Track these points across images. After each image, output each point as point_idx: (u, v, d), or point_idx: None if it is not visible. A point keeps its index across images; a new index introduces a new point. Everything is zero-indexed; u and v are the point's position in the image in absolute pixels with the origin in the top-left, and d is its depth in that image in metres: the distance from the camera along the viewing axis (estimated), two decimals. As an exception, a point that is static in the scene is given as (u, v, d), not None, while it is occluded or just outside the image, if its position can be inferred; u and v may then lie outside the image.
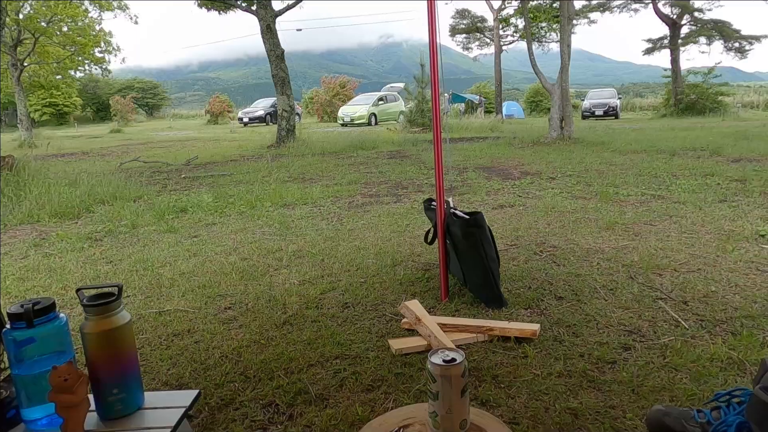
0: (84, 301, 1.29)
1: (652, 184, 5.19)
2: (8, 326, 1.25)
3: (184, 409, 1.33)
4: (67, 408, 1.23)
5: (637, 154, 7.77)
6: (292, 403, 1.64)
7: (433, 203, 2.63)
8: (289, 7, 12.41)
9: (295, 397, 1.67)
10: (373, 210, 4.52)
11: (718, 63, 25.06)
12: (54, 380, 1.21)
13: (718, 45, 25.19)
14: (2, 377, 1.34)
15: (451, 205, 2.47)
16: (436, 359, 1.18)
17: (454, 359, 1.17)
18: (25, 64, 18.21)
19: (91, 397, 1.32)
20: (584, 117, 22.16)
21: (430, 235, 2.63)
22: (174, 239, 3.89)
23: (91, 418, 1.31)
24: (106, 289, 1.33)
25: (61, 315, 1.33)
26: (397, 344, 1.92)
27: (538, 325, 1.99)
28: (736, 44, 24.46)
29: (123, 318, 1.31)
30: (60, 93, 32.98)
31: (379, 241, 3.46)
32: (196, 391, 1.42)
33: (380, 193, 5.38)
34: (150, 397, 1.40)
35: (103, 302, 1.28)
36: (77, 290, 1.32)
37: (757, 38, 24.28)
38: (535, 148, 9.07)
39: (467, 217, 2.29)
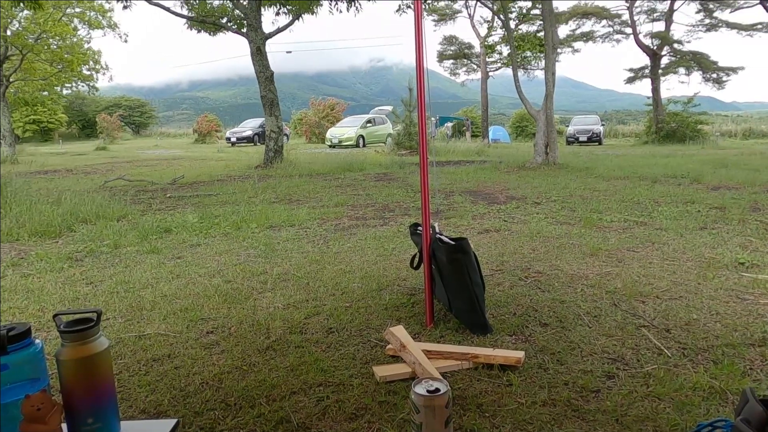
0: (61, 327, 1.26)
1: (635, 210, 5.27)
2: (-19, 353, 1.21)
3: (161, 441, 1.30)
4: (40, 438, 1.19)
5: (620, 180, 7.91)
6: (274, 433, 1.60)
7: (419, 228, 2.64)
8: (279, 30, 12.56)
9: (276, 426, 1.63)
10: (360, 233, 4.51)
11: (697, 93, 25.79)
12: (26, 409, 1.18)
13: (696, 75, 26.00)
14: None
15: (437, 230, 2.48)
16: (420, 389, 1.17)
17: (438, 389, 1.17)
18: (11, 80, 18.09)
19: (65, 426, 1.28)
20: (569, 143, 22.57)
21: (416, 260, 2.63)
22: (157, 260, 3.84)
23: (66, 450, 1.27)
24: (85, 315, 1.31)
25: (37, 341, 1.30)
26: (381, 371, 1.90)
27: (523, 352, 1.99)
28: (714, 75, 25.28)
29: (101, 344, 1.28)
30: (45, 109, 32.76)
31: (365, 265, 3.45)
32: (175, 420, 1.39)
33: (367, 216, 5.38)
34: (127, 427, 1.36)
35: (80, 328, 1.26)
36: (54, 315, 1.29)
37: (734, 69, 25.13)
38: (521, 173, 9.19)
39: (452, 242, 2.30)
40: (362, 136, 22.92)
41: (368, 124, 23.99)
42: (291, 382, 1.90)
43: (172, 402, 1.81)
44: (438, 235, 2.43)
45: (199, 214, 5.70)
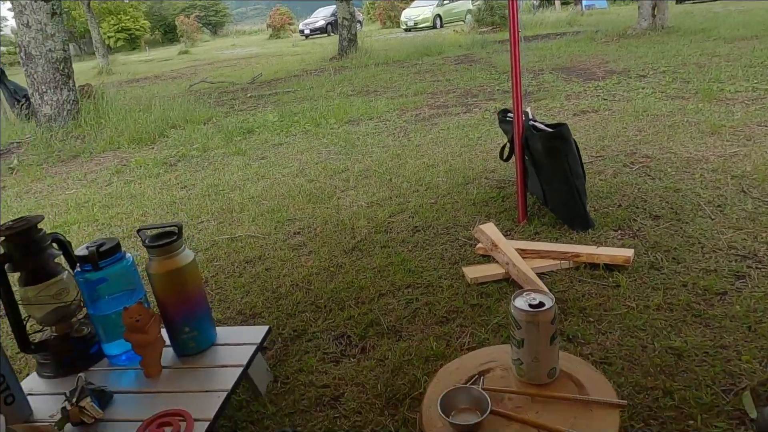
0: (146, 242, 1.25)
1: (766, 76, 4.47)
2: (78, 269, 1.24)
3: (255, 346, 1.31)
4: (142, 347, 1.23)
5: (747, 41, 6.71)
6: (364, 335, 1.59)
7: (509, 114, 2.37)
8: None
9: (366, 329, 1.61)
10: (442, 123, 4.25)
11: None
12: (126, 321, 1.20)
13: None
14: (83, 315, 1.36)
15: (530, 116, 2.20)
16: (521, 303, 1.04)
17: (542, 303, 1.03)
18: (91, -11, 18.42)
19: (166, 335, 1.32)
20: (679, 1, 19.47)
21: (506, 151, 2.39)
22: (242, 162, 3.90)
23: (169, 353, 1.31)
24: (167, 228, 1.28)
25: (128, 255, 1.30)
26: (472, 272, 1.80)
27: (632, 250, 1.78)
28: None
29: (186, 257, 1.26)
30: (128, 17, 33.56)
31: (448, 157, 3.26)
32: (267, 327, 1.39)
33: (448, 104, 5.05)
34: (222, 333, 1.39)
35: (164, 243, 1.24)
36: (138, 230, 1.28)
37: None
38: (622, 42, 8.10)
39: (550, 129, 2.03)
40: (439, 15, 21.26)
41: (445, 2, 22.12)
42: (379, 284, 1.86)
43: (265, 304, 1.85)
44: (531, 122, 2.16)
45: (278, 112, 5.68)
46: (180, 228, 1.24)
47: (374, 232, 2.31)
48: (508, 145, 2.39)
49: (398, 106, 5.19)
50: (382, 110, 5.06)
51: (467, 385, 1.06)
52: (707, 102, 3.84)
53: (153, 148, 5.01)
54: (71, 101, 6.11)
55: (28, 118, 6.77)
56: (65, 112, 6.04)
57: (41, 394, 1.25)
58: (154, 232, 1.28)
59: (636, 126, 3.42)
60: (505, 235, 2.10)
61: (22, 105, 7.17)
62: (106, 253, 1.23)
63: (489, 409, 0.96)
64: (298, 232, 2.45)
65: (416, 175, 3.01)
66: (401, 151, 3.53)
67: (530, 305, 1.03)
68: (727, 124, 3.19)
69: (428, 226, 2.30)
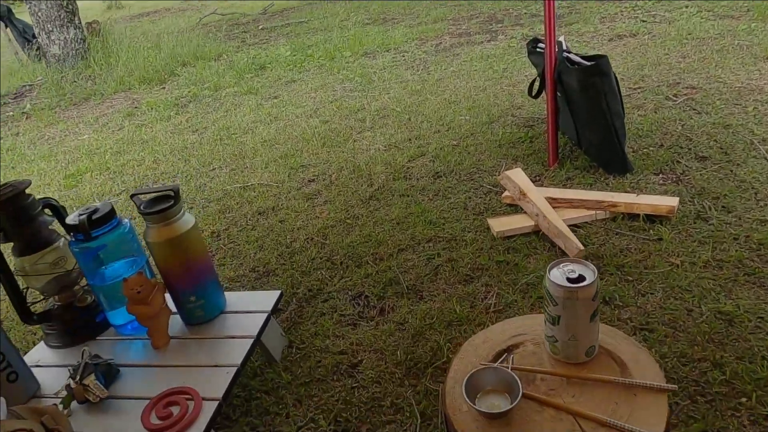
0: (141, 208, 1.14)
1: (831, -12, 3.98)
2: (72, 238, 1.15)
3: (266, 314, 1.23)
4: (146, 319, 1.16)
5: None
6: (383, 295, 1.50)
7: (540, 45, 2.13)
8: None
9: (385, 288, 1.52)
10: (464, 53, 3.96)
11: None
12: (126, 293, 1.13)
13: None
14: (86, 283, 1.29)
15: (564, 47, 1.97)
16: (558, 276, 0.91)
17: (582, 277, 0.90)
18: None
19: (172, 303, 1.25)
20: None
21: (536, 87, 2.18)
22: (255, 101, 3.73)
23: (177, 321, 1.25)
24: (163, 192, 1.17)
25: (124, 221, 1.21)
26: (497, 225, 1.67)
27: (676, 198, 1.61)
28: None
29: (186, 223, 1.16)
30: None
31: (471, 92, 3.03)
32: (278, 292, 1.30)
33: (471, 31, 4.70)
34: (232, 299, 1.31)
35: (161, 209, 1.13)
36: (132, 195, 1.17)
37: None
38: (663, -46, 7.35)
39: (587, 62, 1.81)
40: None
41: None
42: (397, 238, 1.75)
43: (279, 260, 1.76)
44: (566, 54, 1.93)
45: (291, 45, 5.39)
46: (177, 192, 1.13)
47: (392, 178, 2.18)
48: (538, 79, 2.17)
49: (417, 35, 4.86)
50: (399, 40, 4.75)
51: (495, 364, 0.96)
52: (761, 21, 3.45)
53: (164, 87, 4.86)
54: (79, 40, 5.90)
55: (39, 59, 6.61)
56: (74, 52, 5.86)
57: (49, 366, 1.21)
58: (150, 196, 1.17)
59: (679, 52, 3.10)
60: (534, 181, 1.95)
61: (32, 44, 6.99)
62: (100, 221, 1.14)
63: (520, 395, 0.87)
64: (313, 180, 2.33)
65: (437, 113, 2.81)
66: (421, 87, 3.31)
67: (568, 279, 0.90)
68: (784, 47, 2.86)
69: (450, 171, 2.15)
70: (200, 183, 2.54)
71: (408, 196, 2.01)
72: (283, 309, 1.50)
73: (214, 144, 3.03)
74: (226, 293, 1.32)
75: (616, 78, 1.82)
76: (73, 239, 1.14)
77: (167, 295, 1.22)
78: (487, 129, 2.49)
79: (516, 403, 0.87)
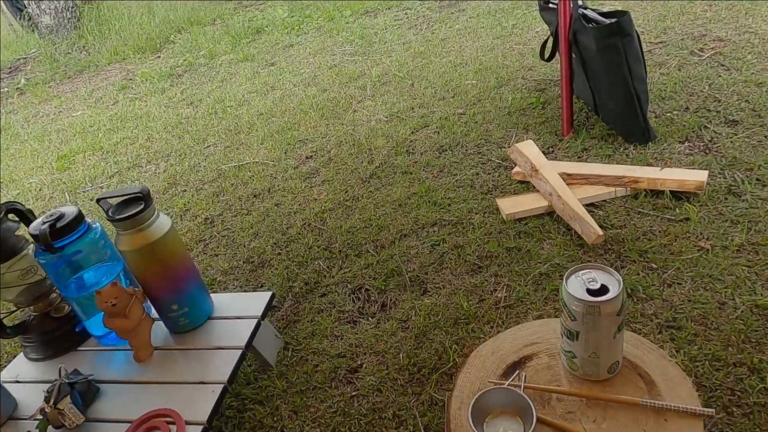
0: (109, 214, 1.03)
1: None
2: (38, 248, 1.05)
3: (256, 321, 1.13)
4: (125, 332, 1.07)
5: None
6: (384, 288, 1.39)
7: (553, 0, 1.93)
8: None
9: (386, 280, 1.42)
10: (470, 8, 3.71)
11: None
12: (101, 306, 1.03)
13: None
14: (61, 288, 1.20)
15: (581, 2, 1.77)
16: (577, 288, 0.79)
17: (604, 289, 0.78)
18: None
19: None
20: None
21: (548, 48, 1.99)
22: (251, 69, 3.56)
23: (162, 330, 1.16)
24: (131, 195, 1.06)
25: (94, 225, 1.10)
26: (507, 206, 1.54)
27: (705, 172, 1.46)
28: None
29: (160, 227, 1.05)
30: None
31: (478, 53, 2.83)
32: (270, 294, 1.20)
33: (478, -17, 4.40)
34: (221, 302, 1.22)
35: (131, 214, 1.02)
36: (98, 200, 1.06)
37: None
38: None
39: (606, 20, 1.62)
40: None
41: None
42: (400, 222, 1.63)
43: (274, 249, 1.66)
44: (581, 10, 1.74)
45: (288, 6, 5.13)
46: (147, 194, 1.01)
47: (394, 153, 2.04)
48: (551, 39, 1.98)
49: (421, -11, 4.57)
50: (402, -4, 4.47)
51: (506, 384, 0.86)
52: (796, -40, 3.14)
53: (159, 56, 4.68)
54: (70, 8, 5.69)
55: (32, 30, 6.41)
56: (66, 21, 5.65)
57: (29, 382, 1.13)
58: (118, 200, 1.06)
59: (704, 0, 2.85)
60: (547, 154, 1.80)
61: (25, 14, 6.76)
62: (66, 229, 1.03)
63: (534, 421, 0.77)
64: (310, 156, 2.20)
65: (442, 77, 2.63)
66: (424, 48, 3.10)
67: (589, 291, 0.78)
68: (822, -11, 2.60)
69: (456, 144, 2.00)
70: (194, 162, 2.42)
71: (411, 173, 1.88)
72: (278, 306, 1.40)
73: (208, 118, 2.90)
74: (215, 295, 1.23)
75: (638, 37, 1.63)
76: (38, 249, 1.04)
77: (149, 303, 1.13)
78: (495, 94, 2.31)
79: (530, 431, 0.77)
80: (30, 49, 5.95)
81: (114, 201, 1.06)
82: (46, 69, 5.03)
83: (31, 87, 4.57)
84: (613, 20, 1.58)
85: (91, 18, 6.02)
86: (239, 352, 1.06)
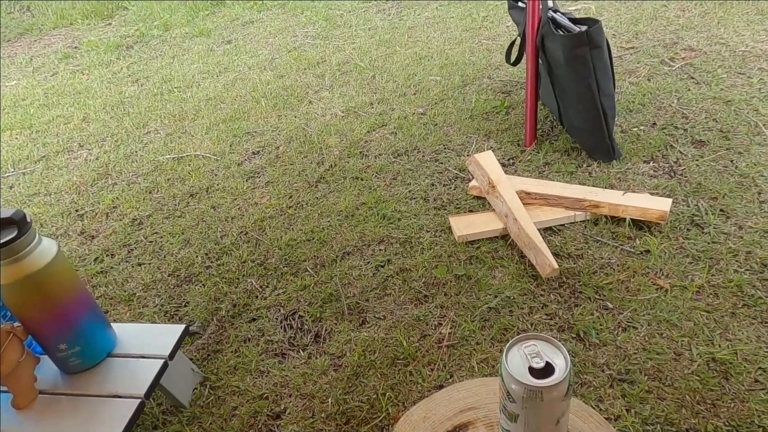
0: (-24, 237, 0.86)
1: None
2: None
3: (162, 362, 0.98)
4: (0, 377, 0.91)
5: None
6: (320, 316, 1.26)
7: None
8: None
9: (323, 306, 1.28)
10: (442, -5, 3.54)
11: None
12: (-33, 346, 0.86)
13: None
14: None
15: (551, 5, 1.65)
16: (518, 365, 0.67)
17: (550, 369, 0.67)
18: None
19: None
20: None
21: (515, 51, 1.86)
22: (206, 46, 3.32)
23: (52, 369, 1.00)
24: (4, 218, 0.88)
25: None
26: (460, 227, 1.42)
27: (669, 201, 1.37)
28: None
29: (41, 256, 0.88)
30: None
31: (445, 46, 2.68)
32: (181, 328, 1.05)
33: (452, -32, 4.22)
34: (127, 334, 1.06)
35: (4, 242, 0.85)
36: (-37, 221, 0.88)
37: None
38: None
39: (576, 27, 1.50)
40: None
41: None
42: (345, 236, 1.50)
43: (204, 261, 1.50)
44: (551, 13, 1.62)
45: (254, -23, 4.84)
46: (21, 219, 0.85)
47: (347, 155, 1.89)
48: (518, 41, 1.85)
49: (392, -30, 4.36)
50: (372, -24, 4.25)
51: (433, 464, 0.75)
52: (770, -32, 3.10)
53: (110, 23, 4.34)
54: (11, -36, 5.22)
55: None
56: (7, -22, 5.19)
57: None
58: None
59: (678, 3, 2.76)
60: (507, 166, 1.69)
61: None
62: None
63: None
64: (257, 152, 2.03)
65: (405, 70, 2.48)
66: (390, 36, 2.93)
67: (531, 370, 0.67)
68: (794, 2, 2.55)
69: (413, 148, 1.87)
70: (131, 150, 2.21)
71: (362, 179, 1.74)
72: (199, 333, 1.26)
73: (153, 99, 2.67)
74: (120, 326, 1.07)
75: (609, 48, 1.52)
76: None
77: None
78: (459, 94, 2.18)
79: None
80: (-33, 5, 5.47)
81: (-15, 223, 0.89)
82: (-17, 30, 4.61)
83: (-36, 50, 4.18)
84: (583, 29, 1.46)
85: (38, -25, 5.56)
86: (137, 402, 0.92)
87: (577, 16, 1.60)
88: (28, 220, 0.86)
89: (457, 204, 1.55)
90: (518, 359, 0.69)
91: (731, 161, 1.55)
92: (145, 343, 1.04)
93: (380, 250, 1.43)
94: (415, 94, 2.25)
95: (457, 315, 1.20)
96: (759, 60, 2.08)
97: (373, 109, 2.18)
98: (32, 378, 0.95)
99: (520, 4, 1.81)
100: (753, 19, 2.44)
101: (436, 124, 1.99)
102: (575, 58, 1.47)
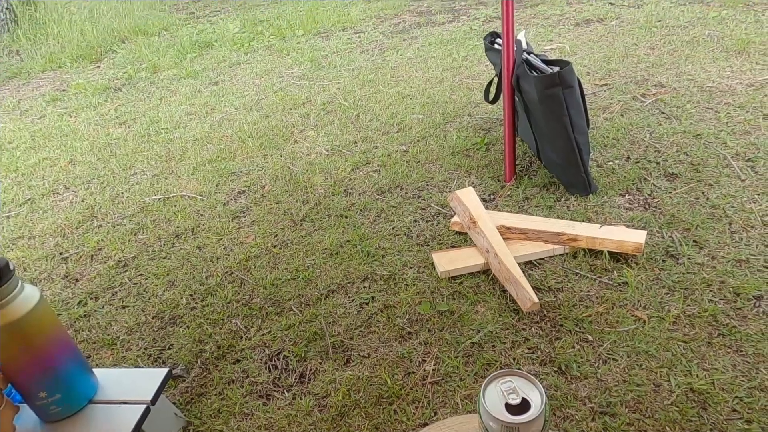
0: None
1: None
2: None
3: (144, 407, 0.98)
4: (-22, 426, 0.89)
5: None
6: (304, 356, 1.26)
7: (498, 41, 1.88)
8: None
9: (308, 346, 1.29)
10: (423, 35, 3.67)
11: None
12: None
13: None
14: None
15: (525, 46, 1.72)
16: (495, 401, 0.69)
17: (525, 405, 0.68)
18: None
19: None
20: None
21: (492, 90, 1.94)
22: (193, 88, 3.38)
23: (31, 418, 0.99)
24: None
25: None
26: (443, 263, 1.44)
27: (644, 233, 1.41)
28: None
29: (23, 304, 0.89)
30: None
31: (427, 85, 2.77)
32: (164, 372, 1.05)
33: (432, 10, 4.39)
34: (107, 380, 1.05)
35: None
36: (-54, 270, 0.88)
37: None
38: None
39: (549, 69, 1.57)
40: None
41: None
42: (329, 274, 1.51)
43: (189, 302, 1.50)
44: (526, 54, 1.69)
45: (241, 20, 4.97)
46: (5, 267, 0.86)
47: (331, 193, 1.92)
48: (495, 80, 1.93)
49: (375, 12, 4.51)
50: (357, 18, 4.40)
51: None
52: (731, 8, 3.27)
53: (99, 66, 4.42)
54: (4, 9, 5.33)
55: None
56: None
57: None
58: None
59: (648, 42, 2.90)
60: (488, 201, 1.73)
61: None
62: None
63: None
64: (243, 192, 2.05)
65: (388, 109, 2.55)
66: (373, 76, 3.02)
67: (508, 406, 0.68)
68: (756, 39, 2.69)
69: (396, 185, 1.91)
70: (117, 192, 2.23)
71: (346, 217, 1.77)
72: (183, 376, 1.25)
73: (140, 140, 2.70)
74: (102, 371, 1.07)
75: (581, 87, 1.59)
76: None
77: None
78: (440, 132, 2.24)
79: None
80: (-43, 51, 5.54)
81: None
82: (-29, 74, 4.66)
83: (-47, 94, 4.22)
84: (556, 70, 1.53)
85: (27, 20, 5.67)
86: (119, 449, 0.91)
87: (551, 57, 1.68)
88: (11, 267, 0.87)
89: (440, 240, 1.58)
90: (495, 396, 0.70)
91: (702, 193, 1.60)
92: (127, 389, 1.03)
93: (364, 287, 1.45)
94: (398, 132, 2.31)
95: (441, 351, 1.21)
96: (725, 95, 2.17)
97: (357, 148, 2.23)
98: (11, 428, 0.94)
99: (496, 46, 1.89)
100: (718, 56, 2.56)
101: (418, 162, 2.04)
102: (549, 97, 1.53)
